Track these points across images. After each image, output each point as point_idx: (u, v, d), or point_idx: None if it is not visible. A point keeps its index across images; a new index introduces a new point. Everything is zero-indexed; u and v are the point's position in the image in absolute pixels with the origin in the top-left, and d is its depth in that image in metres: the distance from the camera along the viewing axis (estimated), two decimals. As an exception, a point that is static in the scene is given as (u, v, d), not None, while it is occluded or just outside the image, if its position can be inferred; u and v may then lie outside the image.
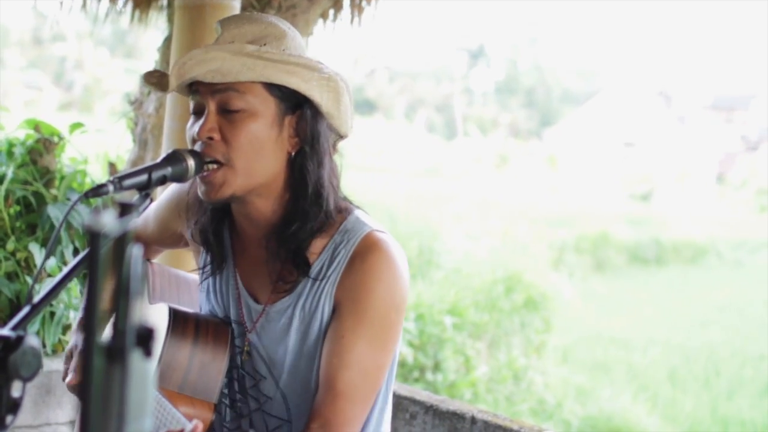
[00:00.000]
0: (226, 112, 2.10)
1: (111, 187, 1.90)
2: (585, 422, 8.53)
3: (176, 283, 2.69)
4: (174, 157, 2.07)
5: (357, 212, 2.24)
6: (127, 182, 1.95)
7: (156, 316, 2.49)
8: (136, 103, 4.29)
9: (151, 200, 2.07)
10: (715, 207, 31.56)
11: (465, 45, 58.22)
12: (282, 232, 2.18)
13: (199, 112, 2.15)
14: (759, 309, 16.50)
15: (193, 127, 2.14)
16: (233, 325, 2.31)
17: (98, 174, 4.52)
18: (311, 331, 2.17)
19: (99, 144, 4.82)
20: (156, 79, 2.21)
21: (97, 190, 1.90)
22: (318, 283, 2.17)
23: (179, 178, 2.07)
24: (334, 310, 2.16)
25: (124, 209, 1.04)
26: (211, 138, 2.09)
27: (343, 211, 2.22)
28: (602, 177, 35.67)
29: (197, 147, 2.12)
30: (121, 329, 0.98)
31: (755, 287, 18.46)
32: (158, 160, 2.08)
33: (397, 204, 14.27)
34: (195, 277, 2.65)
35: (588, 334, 12.67)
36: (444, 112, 50.71)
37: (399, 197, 16.22)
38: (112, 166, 4.34)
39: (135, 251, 1.01)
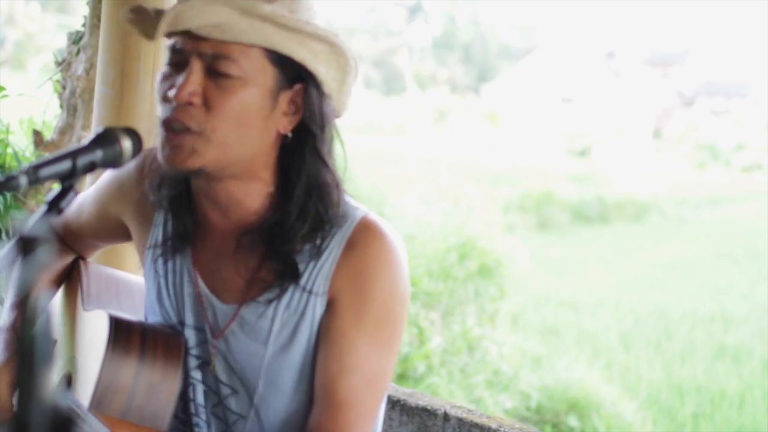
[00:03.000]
0: (214, 74, 1.80)
1: (24, 180, 1.55)
2: (542, 393, 8.29)
3: (115, 285, 2.31)
4: (105, 138, 1.69)
5: (346, 196, 1.95)
6: (45, 172, 1.58)
7: (92, 325, 2.11)
8: (64, 64, 3.80)
9: (76, 193, 1.65)
10: (654, 163, 31.65)
11: (402, 0, 57.81)
12: (267, 230, 1.89)
13: (177, 65, 1.83)
14: (705, 268, 16.43)
15: (165, 83, 1.84)
16: (192, 331, 1.98)
17: (22, 143, 4.04)
18: (298, 333, 1.89)
19: (24, 108, 4.31)
20: (136, 17, 1.88)
21: (6, 184, 1.54)
22: (305, 277, 1.88)
23: (112, 163, 1.70)
24: (329, 307, 1.88)
25: (26, 246, 0.92)
26: (190, 103, 1.79)
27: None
28: (541, 133, 35.66)
29: (166, 109, 1.82)
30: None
31: (699, 245, 18.43)
32: (85, 141, 1.69)
33: (337, 163, 13.67)
34: (137, 278, 2.27)
35: (537, 298, 12.44)
36: (382, 68, 50.39)
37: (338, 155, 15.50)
38: (37, 135, 3.86)
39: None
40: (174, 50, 1.83)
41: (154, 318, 2.05)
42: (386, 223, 1.94)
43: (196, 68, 1.80)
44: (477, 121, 36.59)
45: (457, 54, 54.07)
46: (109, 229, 2.18)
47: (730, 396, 9.78)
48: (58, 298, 2.35)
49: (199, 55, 1.80)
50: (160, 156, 1.84)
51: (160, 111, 1.85)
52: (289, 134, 1.86)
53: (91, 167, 1.69)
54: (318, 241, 1.89)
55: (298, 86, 1.85)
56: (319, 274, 1.88)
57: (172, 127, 1.80)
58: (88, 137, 1.73)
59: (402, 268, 1.90)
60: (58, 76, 3.86)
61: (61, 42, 4.00)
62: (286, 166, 1.89)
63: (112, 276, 2.34)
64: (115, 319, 1.98)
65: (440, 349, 7.97)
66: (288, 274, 1.88)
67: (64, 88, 3.83)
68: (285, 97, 1.84)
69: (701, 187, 26.40)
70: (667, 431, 8.69)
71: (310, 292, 1.88)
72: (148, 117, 3.03)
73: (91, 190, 2.19)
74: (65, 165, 1.64)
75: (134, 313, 2.18)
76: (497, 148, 29.16)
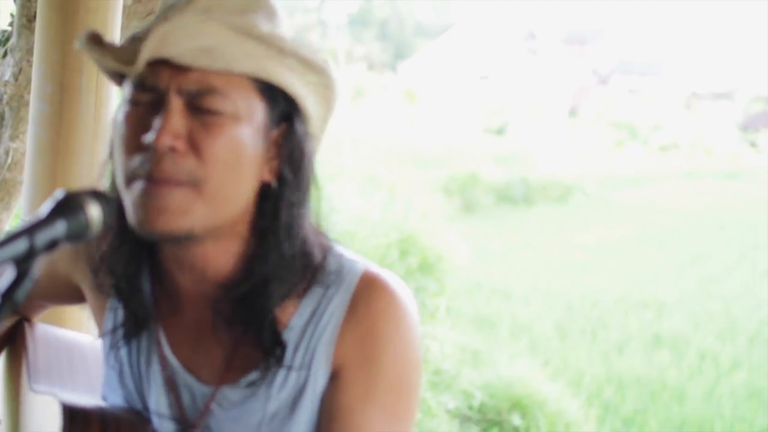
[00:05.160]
0: (198, 111, 1.48)
1: None
2: (484, 391, 8.02)
3: (67, 353, 1.96)
4: (66, 206, 1.32)
5: (336, 246, 1.66)
6: None
7: (41, 411, 1.75)
8: (-12, 67, 3.37)
9: (33, 280, 1.31)
10: (572, 141, 31.72)
11: (317, -24, 57.31)
12: (241, 291, 1.57)
13: (148, 105, 1.49)
14: (631, 251, 16.38)
15: (130, 126, 1.50)
16: (165, 420, 1.65)
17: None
18: (297, 412, 1.59)
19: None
20: (96, 47, 1.52)
21: None
22: (302, 350, 1.58)
23: (77, 236, 1.32)
24: (333, 379, 1.58)
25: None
26: (173, 149, 1.46)
27: (320, 247, 1.63)
28: (459, 111, 35.61)
29: (138, 160, 1.48)
30: None
31: (624, 227, 18.43)
32: (42, 212, 1.31)
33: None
34: (91, 341, 1.91)
35: (469, 286, 12.17)
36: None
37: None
38: (-43, 145, 3.42)
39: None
40: (141, 87, 1.48)
41: (115, 398, 1.70)
42: (391, 275, 1.65)
43: (177, 107, 1.47)
44: (395, 99, 36.42)
45: (374, 31, 53.89)
46: (62, 290, 1.82)
47: (670, 388, 9.67)
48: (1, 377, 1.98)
49: (179, 89, 1.47)
50: (133, 218, 1.49)
51: (125, 163, 1.49)
52: (273, 182, 1.55)
53: (53, 245, 1.34)
54: (313, 307, 1.59)
55: (283, 125, 1.54)
56: (318, 343, 1.58)
57: (155, 181, 1.45)
58: (44, 205, 1.35)
59: (414, 328, 1.62)
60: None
61: None
62: (263, 219, 1.56)
63: (62, 340, 1.98)
64: (69, 409, 1.65)
65: (382, 350, 7.64)
66: (273, 354, 1.58)
67: (-12, 92, 3.40)
68: (272, 137, 1.54)
69: (620, 166, 26.54)
70: (612, 429, 8.53)
71: (309, 368, 1.58)
72: (92, 137, 2.64)
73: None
74: (20, 246, 1.29)
75: (90, 388, 1.84)
76: (416, 127, 28.96)
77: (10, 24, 3.31)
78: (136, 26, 3.26)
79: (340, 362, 1.58)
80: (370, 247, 7.74)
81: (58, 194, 1.36)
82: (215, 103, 1.47)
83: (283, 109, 1.53)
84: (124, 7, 2.92)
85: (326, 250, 1.63)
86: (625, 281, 14.09)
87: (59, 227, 1.33)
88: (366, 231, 7.85)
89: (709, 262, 15.83)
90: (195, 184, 1.46)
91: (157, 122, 1.45)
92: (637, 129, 34.75)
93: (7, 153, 3.32)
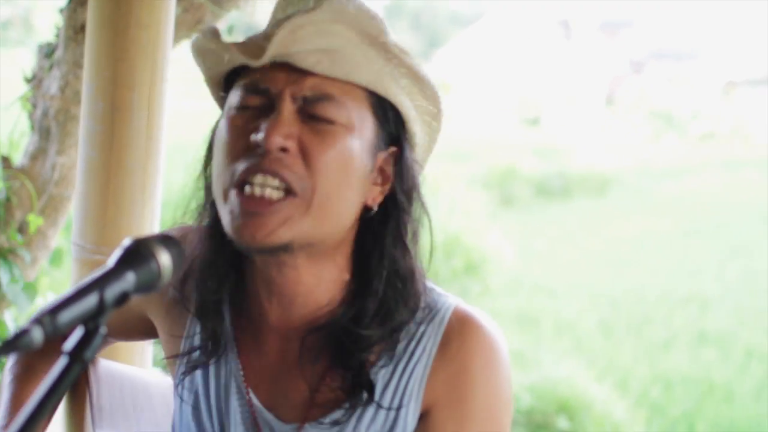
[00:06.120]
0: (311, 118, 1.44)
1: (38, 333, 1.12)
2: (531, 393, 7.92)
3: (131, 392, 1.89)
4: (135, 255, 1.25)
5: (426, 281, 1.63)
6: (66, 317, 1.16)
7: None
8: (35, 81, 3.28)
9: (104, 337, 1.22)
10: (609, 132, 31.43)
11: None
12: (339, 330, 1.52)
13: (257, 109, 1.44)
14: (673, 245, 16.15)
15: (242, 129, 1.45)
16: None
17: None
18: None
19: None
20: (218, 39, 1.47)
21: (15, 344, 1.12)
22: (392, 388, 1.54)
23: (148, 287, 1.25)
24: (423, 418, 1.55)
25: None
26: (285, 149, 1.41)
27: None
28: (493, 101, 35.42)
29: (244, 163, 1.42)
30: None
31: (664, 220, 18.18)
32: (110, 263, 1.24)
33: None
34: (156, 378, 1.83)
35: (510, 283, 12.02)
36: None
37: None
38: (5, 160, 3.33)
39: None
40: (254, 90, 1.42)
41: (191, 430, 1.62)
42: (481, 312, 1.64)
43: (289, 110, 1.43)
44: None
45: (407, 21, 53.86)
46: (129, 325, 1.75)
47: (718, 387, 9.50)
48: (61, 412, 1.90)
49: (294, 98, 1.43)
50: (231, 226, 1.45)
51: (228, 168, 1.43)
52: (374, 208, 1.52)
53: (123, 298, 1.27)
54: (404, 344, 1.56)
55: (393, 149, 1.52)
56: (409, 382, 1.54)
57: (253, 189, 1.40)
58: (113, 254, 1.26)
59: (506, 367, 1.60)
60: (28, 94, 3.33)
61: (2, 14, 3.46)
62: (365, 249, 1.52)
63: (126, 377, 1.89)
64: None
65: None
66: (360, 392, 1.53)
67: (34, 106, 3.31)
68: (379, 160, 1.51)
69: (659, 157, 26.25)
70: (660, 431, 8.39)
71: (399, 407, 1.53)
72: (145, 156, 2.54)
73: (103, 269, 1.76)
74: (90, 301, 1.21)
75: (156, 428, 1.75)
76: (451, 118, 28.76)
77: (56, 36, 3.22)
78: (185, 35, 3.16)
79: (430, 401, 1.55)
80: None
81: (126, 243, 1.28)
82: (330, 110, 1.42)
83: (392, 132, 1.50)
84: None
85: (424, 289, 1.60)
86: (667, 276, 13.88)
87: (129, 278, 1.26)
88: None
89: (752, 255, 15.57)
90: (301, 193, 1.40)
91: (265, 124, 1.39)
92: (675, 118, 34.37)
93: (53, 168, 3.23)
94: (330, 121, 1.43)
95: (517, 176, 19.35)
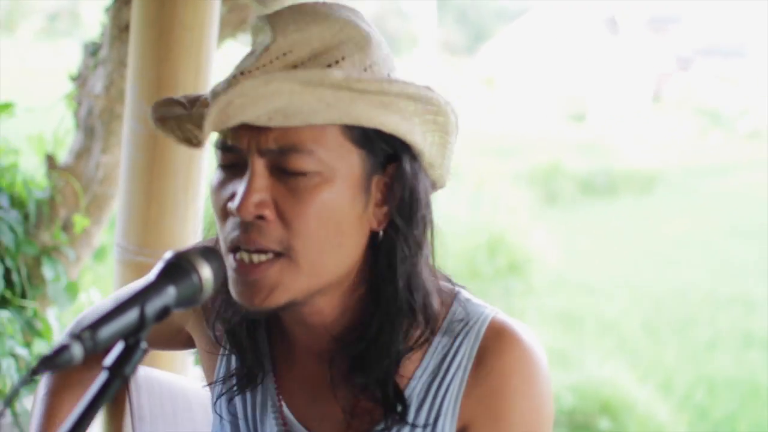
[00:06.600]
0: (283, 173, 1.39)
1: (78, 350, 1.13)
2: (573, 393, 7.86)
3: (171, 400, 1.89)
4: (176, 268, 1.26)
5: (462, 292, 1.60)
6: (107, 332, 1.17)
7: None
8: (80, 80, 3.29)
9: (145, 351, 1.25)
10: (656, 129, 31.15)
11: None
12: (358, 346, 1.49)
13: (234, 167, 1.42)
14: (719, 244, 15.98)
15: (221, 192, 1.43)
16: None
17: (30, 163, 3.54)
18: None
19: (32, 120, 3.74)
20: (167, 113, 1.43)
21: (55, 361, 1.11)
22: (427, 406, 1.51)
23: (189, 301, 1.28)
24: None
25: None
26: (261, 217, 1.38)
27: (444, 293, 1.57)
28: (538, 97, 35.23)
29: (228, 229, 1.40)
30: None
31: (710, 218, 17.99)
32: (150, 277, 1.26)
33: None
34: (197, 388, 1.84)
35: (553, 281, 11.94)
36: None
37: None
38: (50, 159, 3.35)
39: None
40: (226, 149, 1.40)
41: None
42: (519, 323, 1.60)
43: (259, 169, 1.39)
44: (473, 84, 36.14)
45: (453, 15, 53.76)
46: (168, 335, 1.75)
47: (763, 390, 9.36)
48: (100, 419, 1.89)
49: (260, 152, 1.39)
50: (233, 291, 1.44)
51: (220, 230, 1.42)
52: (380, 232, 1.48)
53: (164, 312, 1.26)
54: (439, 359, 1.53)
55: (392, 166, 1.46)
56: (444, 399, 1.52)
57: (242, 255, 1.38)
58: (154, 269, 1.25)
59: (546, 380, 1.57)
60: (73, 92, 3.35)
61: (50, 5, 3.47)
62: (377, 269, 1.48)
63: (166, 385, 1.89)
64: None
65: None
66: (395, 411, 1.51)
67: (79, 104, 3.33)
68: (378, 183, 1.46)
69: (705, 154, 25.99)
70: (703, 432, 8.29)
71: (434, 425, 1.51)
72: (188, 158, 2.55)
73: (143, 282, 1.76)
74: (131, 316, 1.21)
75: None
76: (495, 114, 28.70)
77: (102, 34, 3.23)
78: (230, 34, 3.16)
79: (467, 419, 1.53)
80: (458, 249, 7.58)
81: (168, 256, 1.28)
82: (299, 163, 1.37)
83: (387, 151, 1.43)
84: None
85: (452, 296, 1.57)
86: (711, 275, 13.73)
87: (170, 293, 1.25)
88: (454, 231, 7.72)
89: (800, 256, 15.36)
90: (288, 254, 1.38)
91: (240, 188, 1.36)
92: (722, 115, 34.02)
93: (97, 167, 3.25)
94: (302, 173, 1.38)
95: (562, 173, 19.22)
